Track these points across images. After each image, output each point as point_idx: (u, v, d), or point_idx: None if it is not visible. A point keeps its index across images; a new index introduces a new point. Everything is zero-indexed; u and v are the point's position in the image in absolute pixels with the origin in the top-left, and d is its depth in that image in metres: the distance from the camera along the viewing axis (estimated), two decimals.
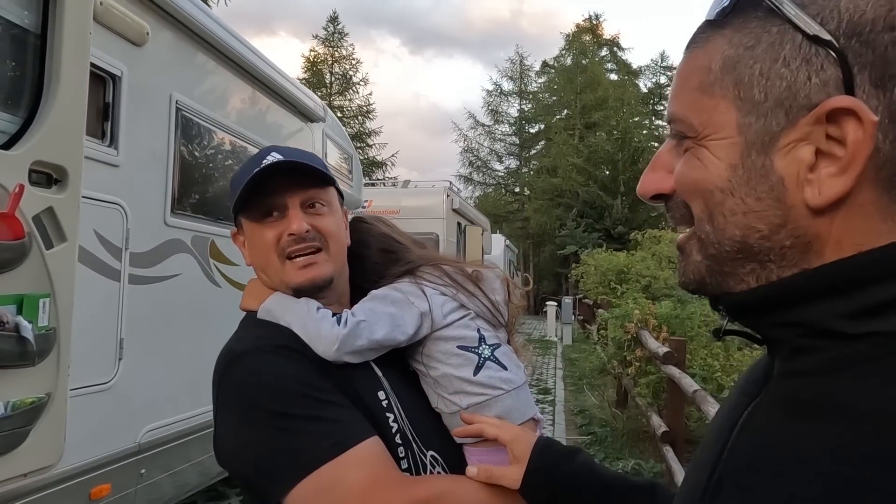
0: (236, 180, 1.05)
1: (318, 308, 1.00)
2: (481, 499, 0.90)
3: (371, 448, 0.87)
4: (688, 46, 0.51)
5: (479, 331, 1.04)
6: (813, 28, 0.42)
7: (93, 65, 2.06)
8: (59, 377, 1.84)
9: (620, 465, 4.95)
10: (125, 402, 2.43)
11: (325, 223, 1.03)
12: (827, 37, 0.42)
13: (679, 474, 3.81)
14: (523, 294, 1.24)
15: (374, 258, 1.12)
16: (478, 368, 1.01)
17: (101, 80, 2.34)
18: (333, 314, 0.98)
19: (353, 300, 1.08)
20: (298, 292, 1.01)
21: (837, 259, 0.44)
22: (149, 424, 2.59)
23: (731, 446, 0.49)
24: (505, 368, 1.03)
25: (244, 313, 1.08)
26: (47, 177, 1.82)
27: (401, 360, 1.05)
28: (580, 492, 0.86)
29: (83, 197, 1.93)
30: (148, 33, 2.51)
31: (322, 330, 0.95)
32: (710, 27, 0.49)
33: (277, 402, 0.88)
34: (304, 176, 1.02)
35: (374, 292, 1.06)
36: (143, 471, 2.55)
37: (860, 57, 0.42)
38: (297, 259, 1.00)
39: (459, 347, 1.02)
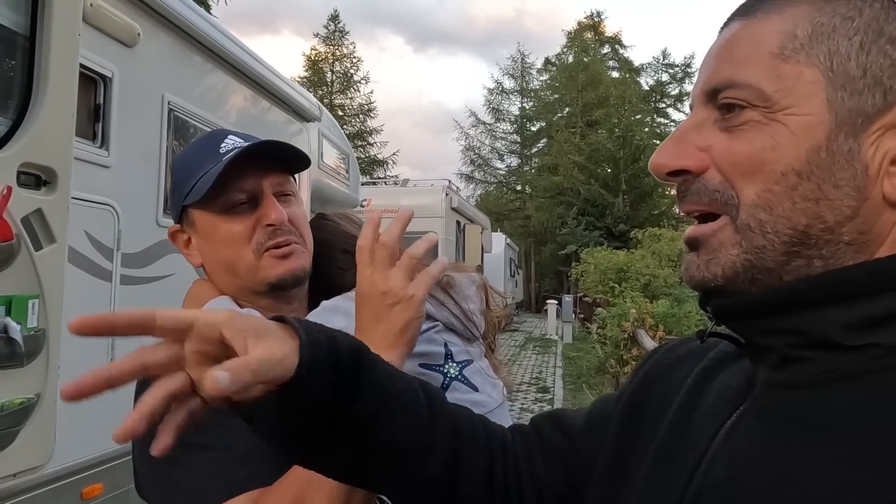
0: (186, 168, 0.92)
1: None
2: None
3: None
4: (745, 13, 0.46)
5: (446, 346, 0.90)
6: None
7: (83, 66, 2.07)
8: (49, 378, 1.85)
9: None
10: (117, 402, 2.44)
11: (297, 214, 0.93)
12: None
13: None
14: (505, 302, 1.10)
15: (337, 261, 1.01)
16: (443, 390, 0.87)
17: (92, 82, 2.34)
18: None
19: (311, 305, 0.97)
20: (276, 288, 0.91)
21: (843, 266, 0.41)
22: None
23: (711, 457, 0.45)
24: (475, 389, 0.89)
25: None
26: (36, 178, 1.83)
27: None
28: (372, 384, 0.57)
29: (74, 198, 1.94)
30: (139, 34, 2.51)
31: None
32: None
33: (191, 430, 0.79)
34: (280, 161, 0.92)
35: (324, 303, 0.93)
36: None
37: None
38: (276, 250, 0.90)
39: (422, 366, 0.88)
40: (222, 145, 0.91)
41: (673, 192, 0.50)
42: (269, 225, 0.89)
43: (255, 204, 0.90)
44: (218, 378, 0.43)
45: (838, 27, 0.41)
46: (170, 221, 2.93)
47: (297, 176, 1.02)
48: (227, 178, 0.86)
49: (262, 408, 0.50)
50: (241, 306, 0.91)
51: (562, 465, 0.63)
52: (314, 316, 0.90)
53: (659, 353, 0.64)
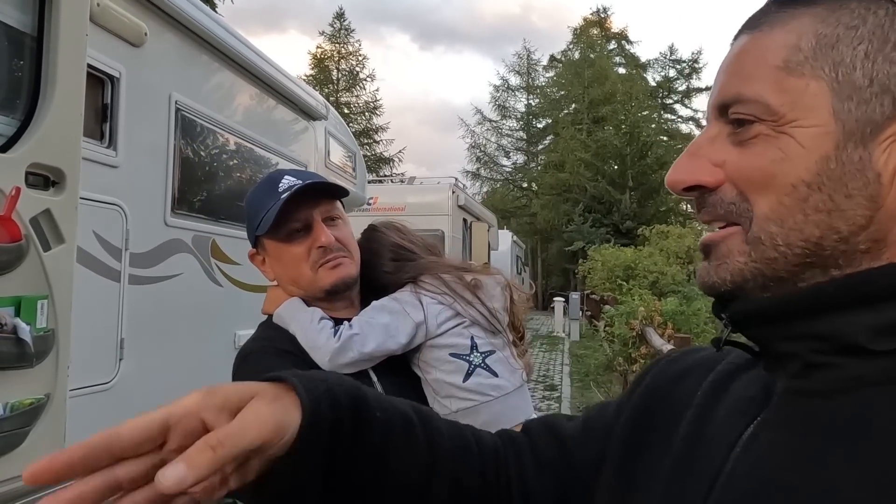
0: (255, 205, 1.14)
1: (321, 318, 1.08)
2: None
3: None
4: (752, 27, 0.46)
5: (472, 339, 1.10)
6: None
7: (90, 66, 2.07)
8: (59, 378, 1.85)
9: None
10: (126, 402, 2.45)
11: (344, 234, 1.15)
12: None
13: None
14: (528, 297, 1.29)
15: (385, 267, 1.21)
16: (467, 375, 1.08)
17: (100, 82, 2.34)
18: (333, 324, 1.07)
19: (364, 304, 1.17)
20: (331, 293, 1.12)
21: (869, 268, 0.40)
22: None
23: (730, 469, 0.44)
24: (495, 375, 1.09)
25: (248, 312, 1.19)
26: (44, 179, 1.83)
27: (404, 366, 1.13)
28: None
29: (82, 198, 1.94)
30: (146, 34, 2.51)
31: (318, 341, 1.03)
32: (789, 4, 0.45)
33: None
34: (324, 194, 1.14)
35: (374, 303, 1.14)
36: None
37: None
38: (327, 265, 1.11)
39: (451, 355, 1.09)
40: (280, 185, 1.11)
41: None
42: (320, 246, 1.10)
43: (309, 230, 1.12)
44: (165, 476, 0.37)
45: (842, 37, 0.41)
46: (178, 221, 2.95)
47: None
48: (285, 212, 1.08)
49: (267, 482, 0.45)
50: (309, 304, 1.13)
51: (553, 475, 0.63)
52: (366, 312, 1.11)
53: (660, 365, 0.63)
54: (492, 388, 1.07)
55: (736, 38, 0.47)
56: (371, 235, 1.25)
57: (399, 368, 1.11)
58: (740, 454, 0.44)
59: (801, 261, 0.42)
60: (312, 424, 0.46)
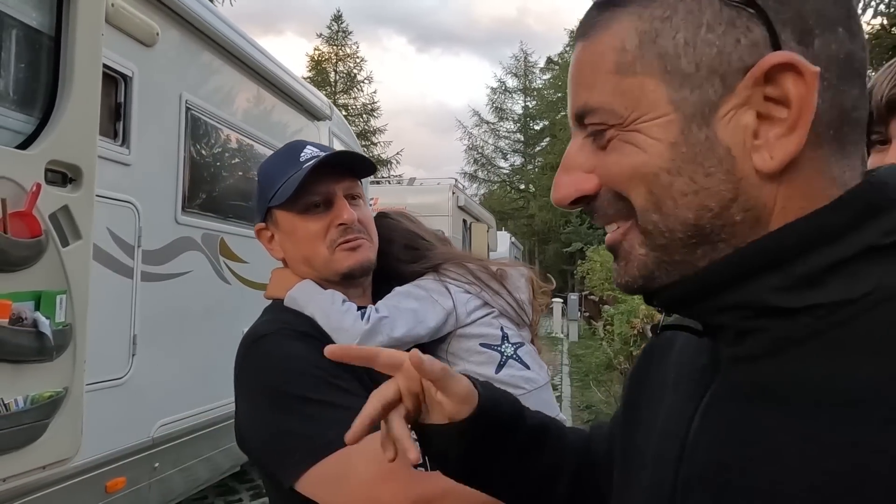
0: (270, 173, 1.04)
1: (343, 301, 0.99)
2: (485, 499, 0.89)
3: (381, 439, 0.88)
4: (582, 34, 0.47)
5: (502, 329, 1.04)
6: None
7: (105, 65, 2.10)
8: (76, 372, 1.88)
9: None
10: (139, 396, 2.47)
11: (366, 215, 1.06)
12: None
13: None
14: (548, 292, 1.23)
15: (398, 254, 1.12)
16: (500, 367, 1.02)
17: (113, 81, 2.37)
18: (358, 308, 0.98)
19: (375, 295, 1.08)
20: (347, 277, 1.02)
21: (767, 232, 0.42)
22: (162, 419, 2.63)
23: (692, 441, 0.46)
24: (527, 367, 1.03)
25: (255, 310, 1.09)
26: (62, 176, 1.86)
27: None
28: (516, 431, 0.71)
29: (97, 195, 1.97)
30: (158, 34, 2.54)
31: (344, 323, 0.95)
32: (607, 8, 0.46)
33: (294, 386, 0.88)
34: (349, 169, 1.04)
35: (397, 289, 1.06)
36: (156, 464, 2.59)
37: (779, 14, 0.41)
38: (345, 244, 1.01)
39: (482, 345, 1.03)
40: (302, 154, 1.03)
41: None
42: (340, 224, 1.00)
43: (329, 205, 1.02)
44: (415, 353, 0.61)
45: (660, 30, 0.43)
46: (188, 219, 2.98)
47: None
48: (306, 183, 0.98)
49: (442, 437, 0.64)
50: (324, 287, 1.03)
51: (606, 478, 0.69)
52: (390, 297, 1.03)
53: (641, 356, 0.67)
54: (525, 381, 1.02)
55: (574, 46, 0.49)
56: (382, 222, 1.14)
57: None
58: (698, 427, 0.46)
59: (687, 242, 0.44)
60: (486, 406, 0.64)
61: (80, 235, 1.90)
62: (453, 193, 10.53)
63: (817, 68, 0.39)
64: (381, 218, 1.16)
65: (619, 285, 0.50)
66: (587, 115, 0.46)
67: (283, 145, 1.10)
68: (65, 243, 1.84)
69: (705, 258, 0.44)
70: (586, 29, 0.47)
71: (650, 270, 0.46)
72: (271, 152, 4.24)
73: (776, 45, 0.40)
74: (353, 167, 1.05)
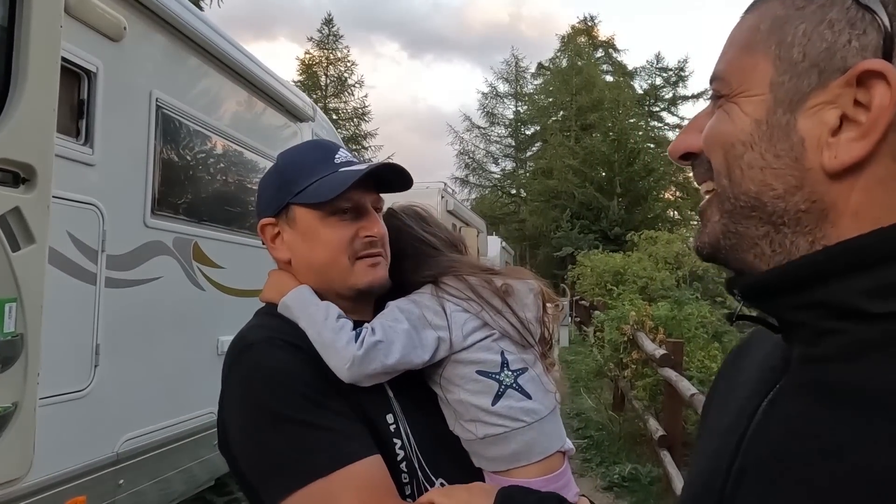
0: (300, 169, 0.99)
1: (339, 317, 0.92)
2: None
3: (368, 469, 0.83)
4: (747, 9, 0.52)
5: (502, 354, 0.95)
6: None
7: (66, 60, 1.99)
8: (28, 385, 1.75)
9: (617, 470, 4.87)
10: (102, 410, 2.35)
11: (386, 232, 1.02)
12: (877, 3, 0.42)
13: (677, 479, 3.73)
14: (561, 306, 1.13)
15: (401, 264, 1.04)
16: (497, 397, 0.92)
17: (76, 76, 2.25)
18: (354, 327, 0.91)
19: (376, 308, 1.02)
20: (362, 293, 0.98)
21: (858, 234, 0.43)
22: (128, 433, 2.50)
23: (751, 434, 0.47)
24: (528, 397, 0.94)
25: (232, 317, 1.04)
26: (14, 175, 1.74)
27: (419, 379, 0.97)
28: None
29: (55, 197, 1.85)
30: (125, 28, 2.43)
31: (337, 343, 0.89)
32: None
33: (283, 404, 0.85)
34: (384, 182, 1.01)
35: (392, 304, 0.98)
36: (121, 481, 2.46)
37: None
38: (368, 259, 0.97)
39: (479, 372, 0.93)
40: (336, 156, 0.99)
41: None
42: (368, 236, 0.97)
43: (357, 215, 0.98)
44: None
45: (790, 18, 0.46)
46: (158, 222, 2.85)
47: None
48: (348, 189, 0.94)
49: None
50: (322, 298, 0.97)
51: None
52: (384, 315, 0.96)
53: (731, 353, 0.68)
54: (524, 413, 0.92)
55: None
56: (390, 223, 1.06)
57: (417, 383, 0.96)
58: (760, 421, 0.47)
59: (749, 214, 0.47)
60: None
61: (34, 239, 1.77)
62: (442, 197, 10.43)
63: None
64: (390, 218, 1.08)
65: (693, 249, 0.54)
66: (714, 81, 0.51)
67: (310, 141, 1.05)
68: (15, 248, 1.72)
69: (766, 239, 0.47)
70: (750, 6, 0.51)
71: (717, 238, 0.50)
72: (249, 154, 4.07)
73: (887, 56, 0.41)
74: (388, 181, 1.02)
